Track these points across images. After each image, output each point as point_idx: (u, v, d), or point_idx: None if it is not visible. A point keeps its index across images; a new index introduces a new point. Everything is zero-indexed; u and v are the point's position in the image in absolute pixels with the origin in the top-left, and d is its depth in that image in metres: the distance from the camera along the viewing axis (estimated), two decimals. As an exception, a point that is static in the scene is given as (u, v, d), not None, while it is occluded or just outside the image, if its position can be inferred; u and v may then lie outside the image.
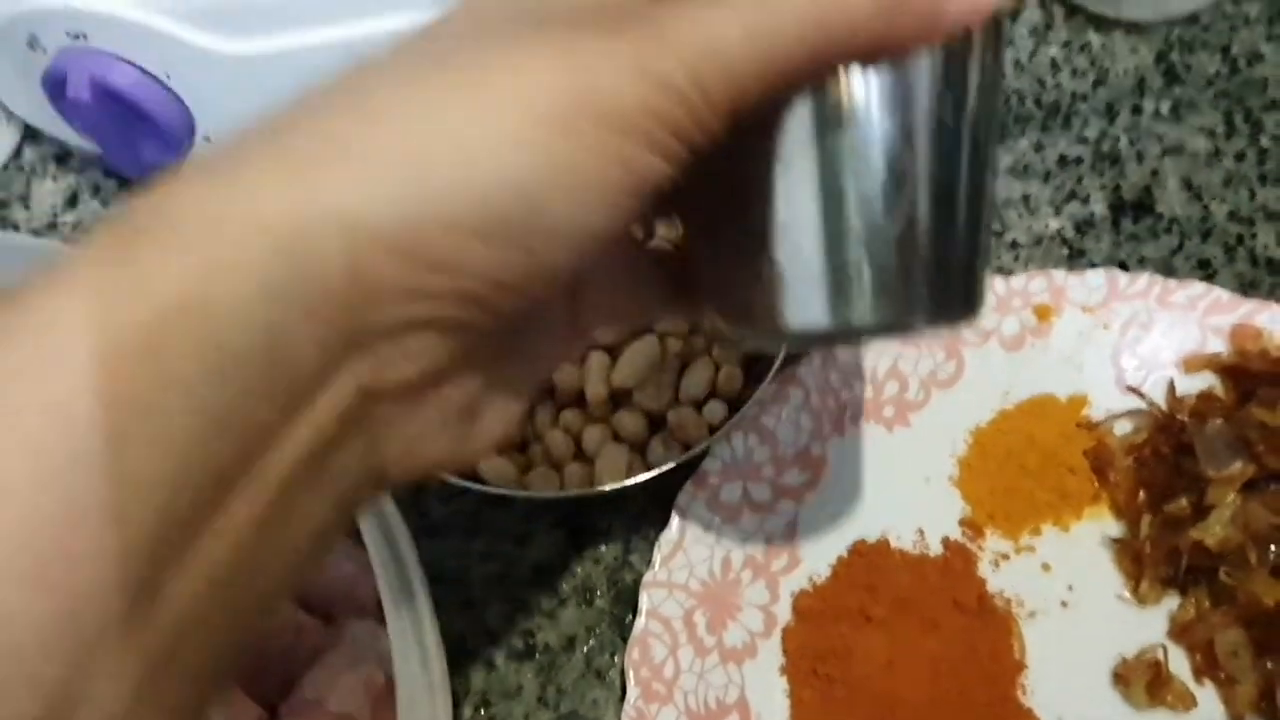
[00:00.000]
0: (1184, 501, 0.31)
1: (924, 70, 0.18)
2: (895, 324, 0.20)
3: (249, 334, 0.14)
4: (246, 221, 0.14)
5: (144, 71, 0.33)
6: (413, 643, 0.25)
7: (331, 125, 0.15)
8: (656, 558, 0.31)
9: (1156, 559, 0.31)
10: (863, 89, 0.18)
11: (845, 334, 0.20)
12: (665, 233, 0.30)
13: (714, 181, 0.19)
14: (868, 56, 0.17)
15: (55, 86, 0.33)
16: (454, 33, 0.17)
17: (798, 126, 0.18)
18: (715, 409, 0.33)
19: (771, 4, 0.16)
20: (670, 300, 0.22)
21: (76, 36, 0.32)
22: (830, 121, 0.18)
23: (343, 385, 0.15)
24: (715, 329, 0.21)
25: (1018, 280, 0.35)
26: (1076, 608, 0.32)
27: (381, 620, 0.30)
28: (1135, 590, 0.32)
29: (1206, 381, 0.34)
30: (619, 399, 0.34)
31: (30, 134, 0.42)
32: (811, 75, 0.17)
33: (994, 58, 0.19)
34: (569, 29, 0.16)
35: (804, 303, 0.19)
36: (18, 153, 0.42)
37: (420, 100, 0.15)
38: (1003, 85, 0.19)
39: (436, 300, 0.16)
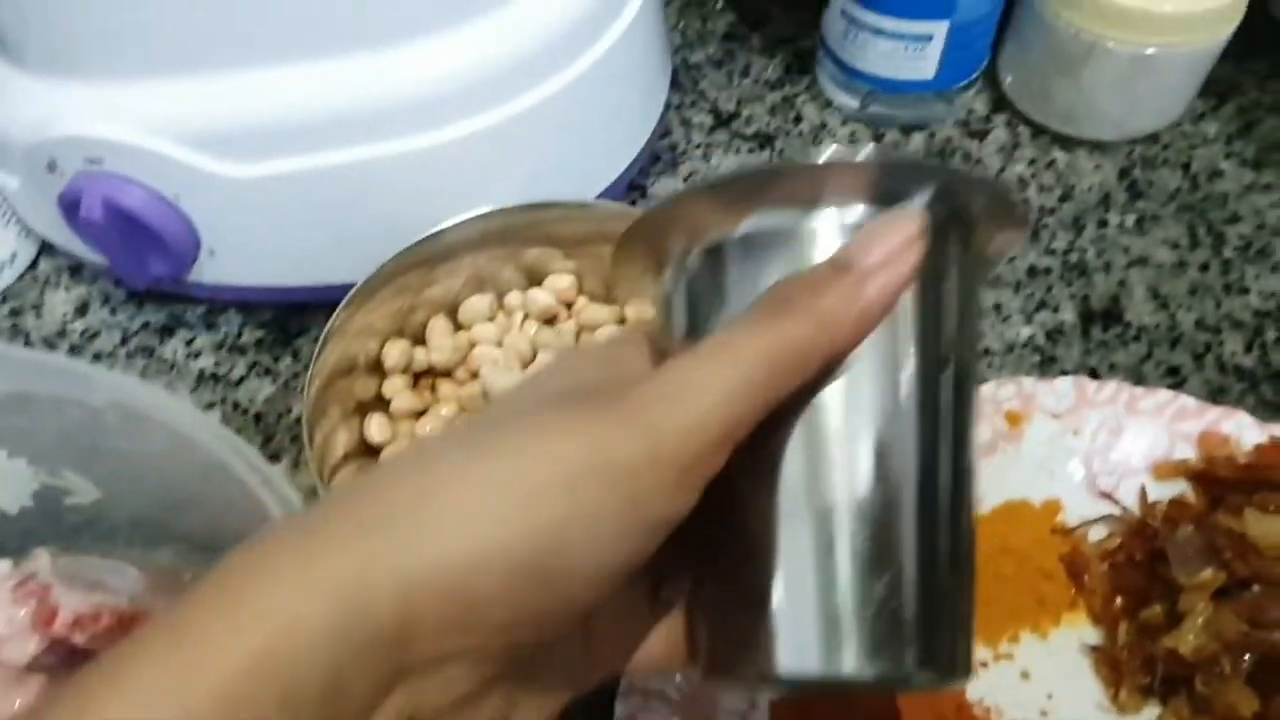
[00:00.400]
0: (1158, 608, 0.31)
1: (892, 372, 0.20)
2: (889, 677, 0.20)
3: (316, 673, 0.16)
4: (318, 581, 0.17)
5: (154, 193, 0.35)
6: None
7: (396, 495, 0.18)
8: (633, 664, 0.31)
9: (1134, 667, 0.31)
10: (840, 413, 0.20)
11: (835, 684, 0.20)
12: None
13: (713, 528, 0.20)
14: (830, 363, 0.19)
15: (70, 207, 0.35)
16: (495, 419, 0.20)
17: (785, 472, 0.20)
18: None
19: (726, 369, 0.18)
20: (669, 649, 0.23)
21: (93, 161, 0.34)
22: (815, 463, 0.20)
23: (389, 711, 0.18)
24: (707, 673, 0.21)
25: (988, 387, 0.36)
26: (1057, 716, 0.31)
27: None
28: (1115, 699, 0.31)
29: (1178, 487, 0.35)
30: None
31: (47, 246, 0.45)
32: (790, 398, 0.19)
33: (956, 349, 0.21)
34: (586, 406, 0.19)
35: (797, 649, 0.20)
36: (34, 264, 0.44)
37: (470, 472, 0.18)
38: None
39: (472, 634, 0.18)
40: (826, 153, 0.20)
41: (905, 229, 0.20)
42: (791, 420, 0.20)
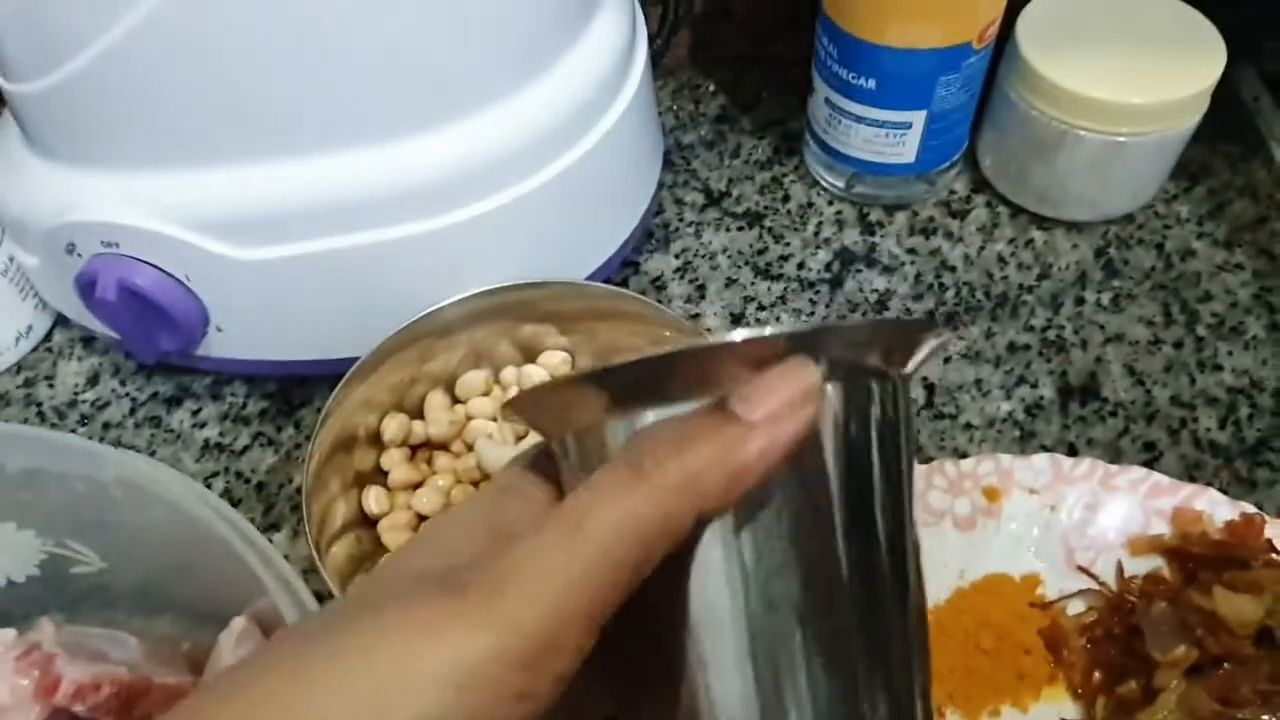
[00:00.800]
0: (1134, 685, 0.32)
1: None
2: None
3: None
4: None
5: (166, 273, 0.36)
6: None
7: (253, 710, 0.17)
8: None
9: (1112, 743, 0.32)
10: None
11: None
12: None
13: (641, 667, 0.20)
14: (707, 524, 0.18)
15: (86, 287, 0.36)
16: (359, 603, 0.18)
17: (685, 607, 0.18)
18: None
19: (578, 548, 0.17)
20: None
21: (109, 244, 0.36)
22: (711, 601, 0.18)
23: None
24: None
25: (967, 463, 0.37)
26: (1037, 792, 0.32)
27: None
28: (1094, 775, 0.32)
29: (1153, 563, 0.35)
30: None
31: (61, 319, 0.46)
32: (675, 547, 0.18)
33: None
34: (436, 594, 0.17)
35: None
36: (48, 336, 0.46)
37: (324, 678, 0.17)
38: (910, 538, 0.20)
39: None
40: (738, 335, 0.18)
41: (798, 381, 0.17)
42: (685, 575, 0.18)
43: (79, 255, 0.37)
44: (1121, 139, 0.44)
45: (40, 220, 0.37)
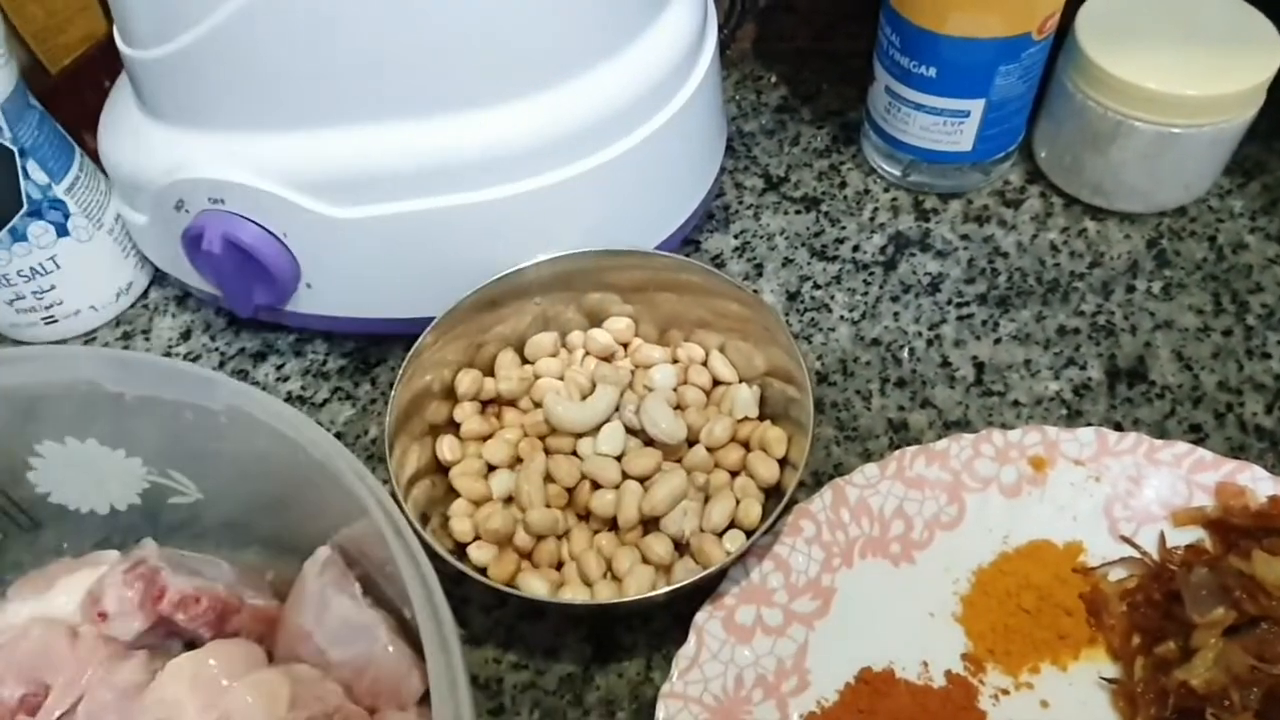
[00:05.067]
0: (1173, 645, 0.33)
1: None
2: None
3: None
4: None
5: (266, 230, 0.39)
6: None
7: None
8: (674, 671, 0.34)
9: (1149, 700, 0.33)
10: None
11: None
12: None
13: None
14: None
15: (193, 240, 0.39)
16: None
17: None
18: (735, 537, 0.37)
19: None
20: None
21: (215, 201, 0.39)
22: None
23: None
24: None
25: (1014, 433, 0.39)
26: (1074, 745, 0.33)
27: (421, 716, 0.33)
28: (1131, 731, 0.33)
29: (1195, 534, 0.37)
30: (648, 525, 0.37)
31: (157, 278, 0.50)
32: None
33: None
34: None
35: None
36: (145, 294, 0.49)
37: None
38: None
39: None
40: None
41: None
42: None
43: (186, 211, 0.40)
44: (1176, 130, 0.45)
45: (152, 179, 0.40)
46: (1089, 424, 0.42)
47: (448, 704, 0.27)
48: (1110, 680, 0.34)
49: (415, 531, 0.30)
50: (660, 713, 0.33)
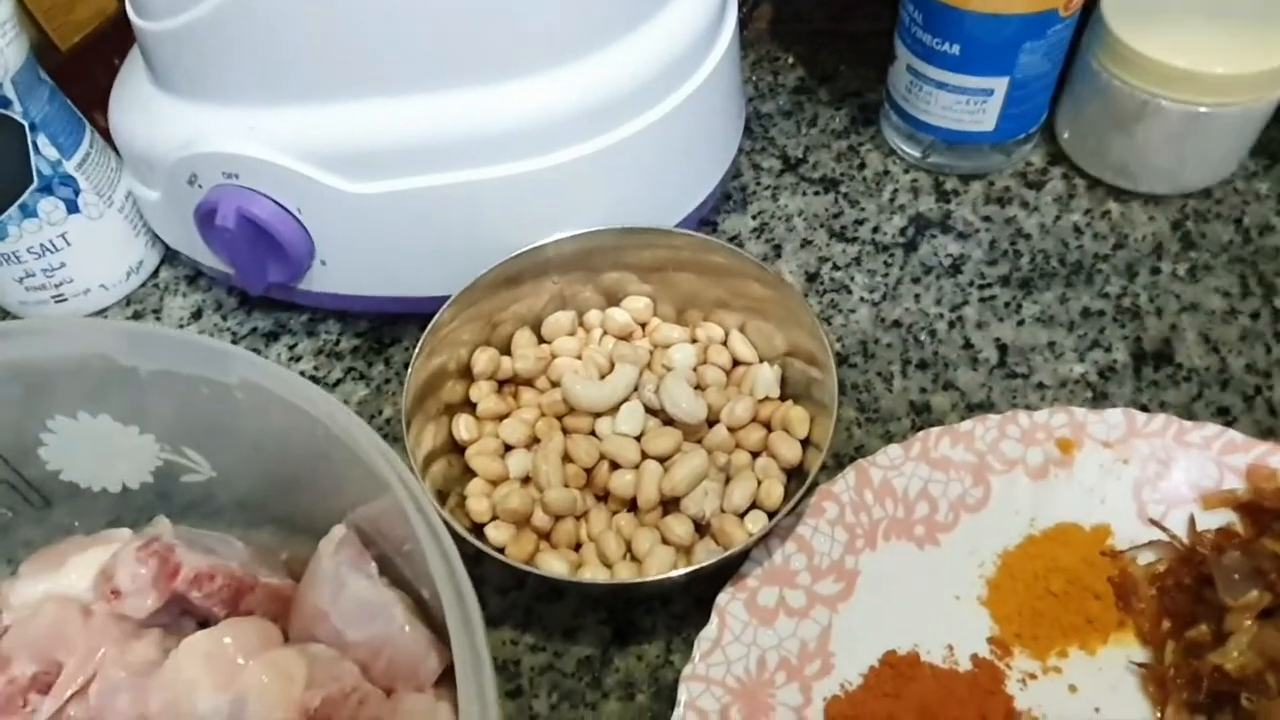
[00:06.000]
0: (1205, 628, 0.33)
1: None
2: None
3: None
4: None
5: (280, 205, 0.39)
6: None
7: None
8: (696, 653, 0.33)
9: (1181, 685, 0.32)
10: None
11: None
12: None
13: None
14: None
15: (206, 215, 0.39)
16: None
17: None
18: (757, 518, 0.36)
19: None
20: None
21: (229, 175, 0.38)
22: None
23: None
24: None
25: (1041, 414, 0.38)
26: (1103, 730, 0.33)
27: (438, 696, 0.32)
28: (1162, 716, 0.32)
29: (1226, 517, 0.36)
30: (668, 505, 0.37)
31: (168, 258, 0.49)
32: None
33: None
34: None
35: None
36: (156, 272, 0.49)
37: None
38: None
39: None
40: None
41: None
42: None
43: (200, 186, 0.39)
44: (1203, 109, 0.44)
45: (165, 153, 0.40)
46: (1115, 407, 0.41)
47: (471, 683, 0.26)
48: (1140, 665, 0.34)
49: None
50: (682, 695, 0.32)
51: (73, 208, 0.44)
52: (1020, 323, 0.45)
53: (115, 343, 0.32)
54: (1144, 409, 0.41)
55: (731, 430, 0.38)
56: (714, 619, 0.34)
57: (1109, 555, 0.36)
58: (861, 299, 0.46)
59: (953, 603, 0.35)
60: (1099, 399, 0.42)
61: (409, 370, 0.37)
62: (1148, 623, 0.34)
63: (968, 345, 0.44)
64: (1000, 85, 0.45)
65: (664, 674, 0.35)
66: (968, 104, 0.47)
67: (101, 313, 0.47)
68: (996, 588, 0.35)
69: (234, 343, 0.46)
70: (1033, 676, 0.34)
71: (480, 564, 0.36)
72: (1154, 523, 0.36)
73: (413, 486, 0.29)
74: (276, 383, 0.30)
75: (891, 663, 0.34)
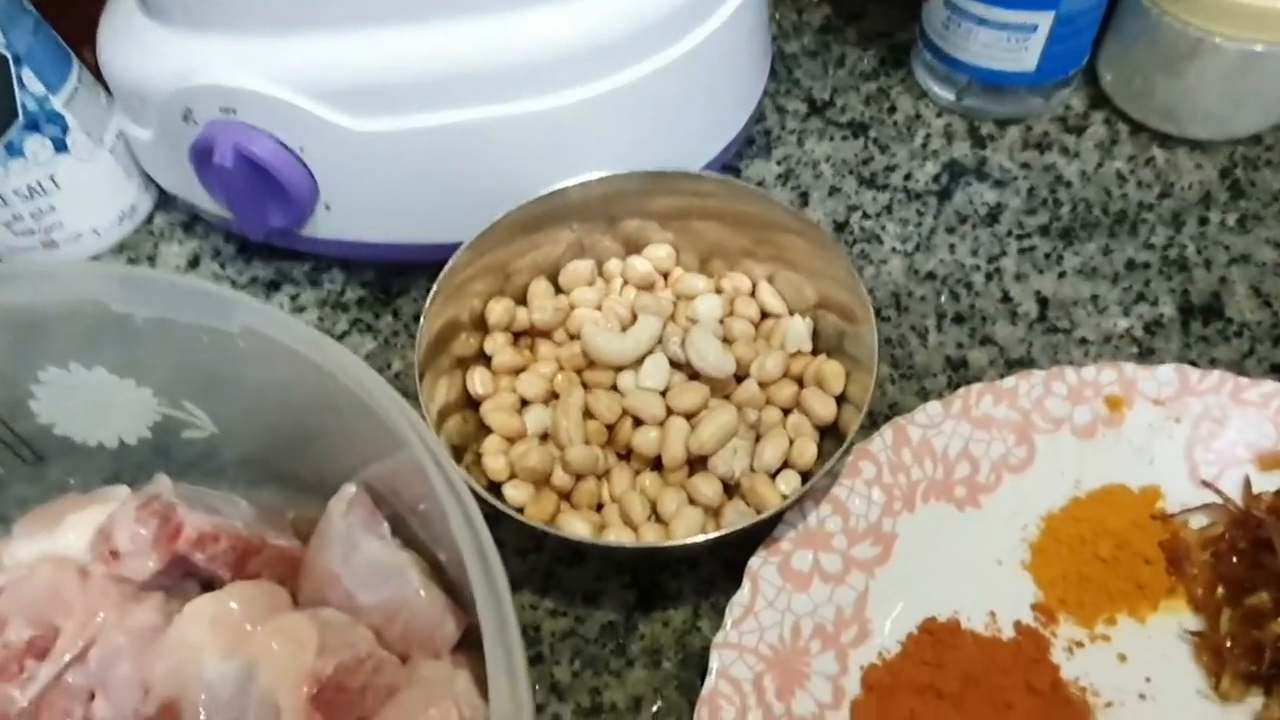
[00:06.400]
0: (1265, 596, 0.31)
1: None
2: None
3: None
4: None
5: (281, 144, 0.36)
6: (507, 691, 0.25)
7: None
8: (728, 620, 0.31)
9: (1238, 654, 0.31)
10: None
11: None
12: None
13: None
14: None
15: (202, 154, 0.36)
16: None
17: None
18: (789, 479, 0.34)
19: None
20: None
21: (226, 110, 0.36)
22: None
23: None
24: None
25: (1088, 371, 0.36)
26: (1155, 701, 0.31)
27: (456, 664, 0.31)
28: (1217, 686, 0.31)
29: (1283, 479, 0.34)
30: (695, 465, 0.35)
31: (162, 202, 0.46)
32: None
33: None
34: None
35: None
36: (150, 218, 0.46)
37: None
38: None
39: None
40: None
41: None
42: None
43: (195, 123, 0.37)
44: (1259, 49, 0.41)
45: (157, 87, 0.37)
46: (1164, 363, 0.39)
47: (498, 646, 0.25)
48: (1193, 633, 0.32)
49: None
50: (714, 663, 0.31)
51: (61, 147, 0.42)
52: (1061, 275, 0.42)
53: (107, 288, 0.30)
54: (1192, 365, 0.39)
55: (762, 385, 0.36)
56: (746, 584, 0.32)
57: (1159, 518, 0.34)
58: (893, 250, 0.44)
59: (994, 567, 0.34)
60: (1145, 355, 0.40)
61: (422, 319, 0.35)
62: (1200, 589, 0.33)
63: (1006, 298, 0.42)
64: (1045, 20, 0.43)
65: (691, 640, 0.34)
66: (1009, 41, 0.44)
67: (94, 260, 0.45)
68: (1040, 552, 0.34)
69: (234, 292, 0.44)
70: (1079, 645, 0.32)
71: (496, 525, 0.34)
72: (1206, 484, 0.34)
73: (431, 443, 0.27)
74: (282, 331, 0.28)
75: (931, 630, 0.32)
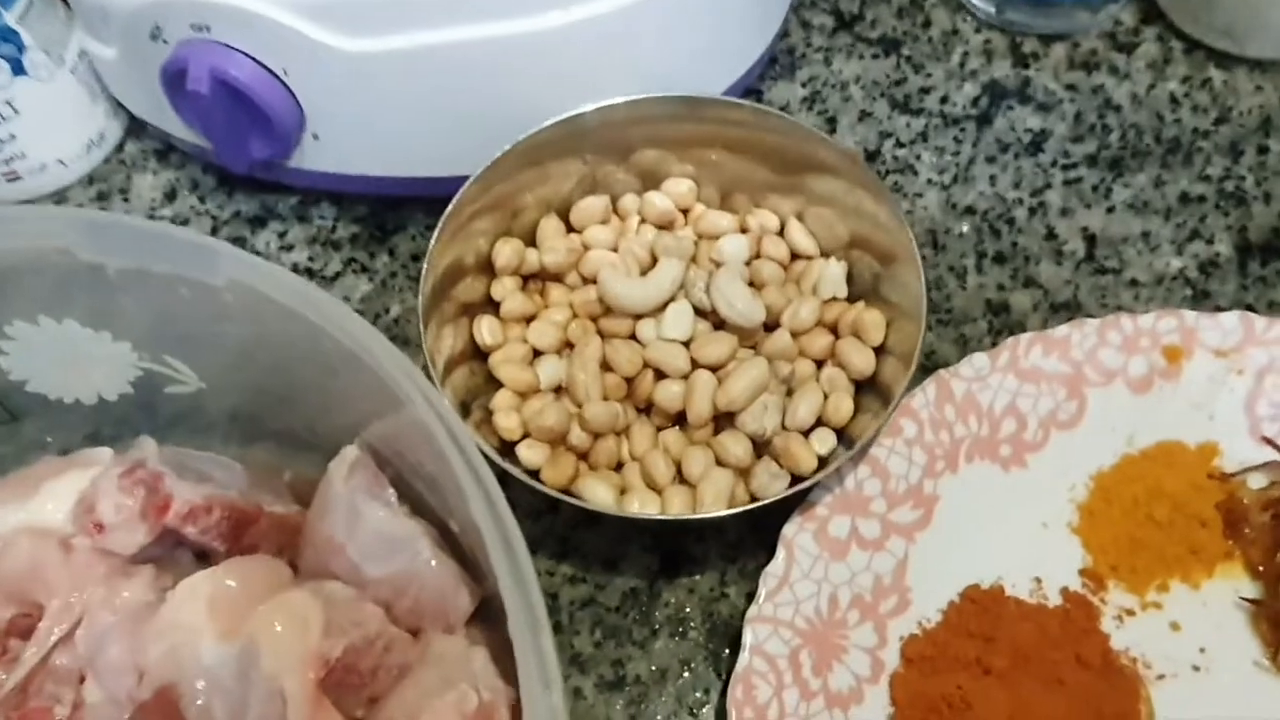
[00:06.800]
0: (1330, 563, 0.29)
1: None
2: None
3: None
4: None
5: (262, 66, 0.32)
6: (536, 670, 0.23)
7: None
8: (762, 592, 0.30)
9: (1299, 624, 0.29)
10: None
11: None
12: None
13: None
14: None
15: (174, 78, 0.33)
16: None
17: None
18: (823, 437, 0.32)
19: None
20: None
21: (199, 28, 0.32)
22: None
23: None
24: None
25: (1145, 319, 0.34)
26: (1209, 672, 0.30)
27: (472, 638, 0.29)
28: (1275, 658, 0.29)
29: (1350, 436, 0.32)
30: (721, 421, 0.32)
31: (133, 129, 0.43)
32: None
33: None
34: None
35: None
36: (120, 147, 0.42)
37: None
38: None
39: None
40: None
41: None
42: None
43: (164, 42, 0.33)
44: (1340, -41, 0.38)
45: (121, 1, 0.33)
46: (1217, 307, 0.37)
47: (522, 612, 0.22)
48: (1250, 600, 0.30)
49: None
50: (747, 638, 0.29)
51: (18, 68, 0.38)
52: (1110, 210, 0.39)
53: (74, 234, 0.27)
54: (1250, 309, 0.37)
55: (794, 335, 0.33)
56: (780, 552, 0.30)
57: (1216, 478, 0.32)
58: (929, 181, 0.41)
59: (1040, 531, 0.32)
60: (1199, 298, 0.37)
61: (425, 261, 0.32)
62: (1259, 554, 0.31)
63: (1051, 235, 0.39)
64: (1105, -74, 0.39)
65: (718, 608, 0.32)
66: (1063, -51, 0.40)
67: (61, 193, 0.42)
68: (1090, 514, 0.32)
69: (215, 229, 0.41)
70: (1130, 613, 0.31)
71: (507, 486, 0.32)
72: (1268, 441, 0.32)
73: (438, 404, 0.24)
74: (271, 285, 0.26)
75: (974, 598, 0.31)
